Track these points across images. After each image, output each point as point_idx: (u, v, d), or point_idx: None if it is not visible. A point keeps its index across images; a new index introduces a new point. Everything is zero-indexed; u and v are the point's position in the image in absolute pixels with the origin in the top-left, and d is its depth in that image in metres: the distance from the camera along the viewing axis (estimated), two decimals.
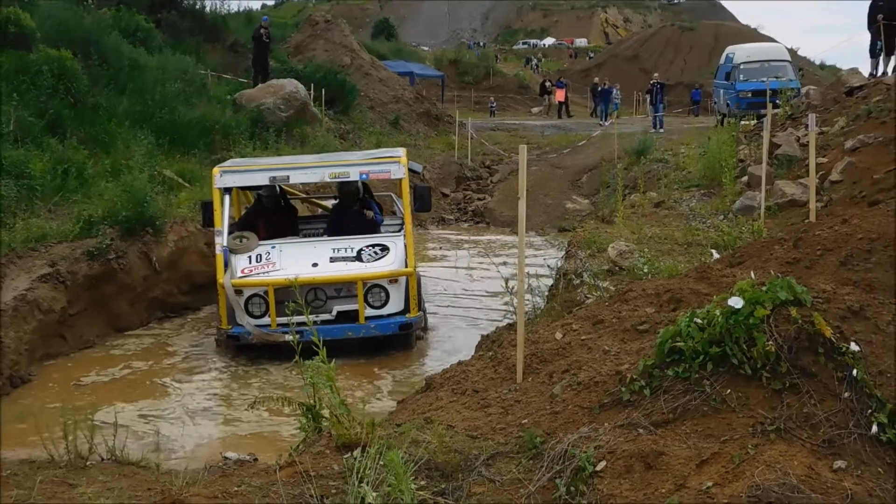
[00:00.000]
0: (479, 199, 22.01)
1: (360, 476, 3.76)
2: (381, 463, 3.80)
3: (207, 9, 26.38)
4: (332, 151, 18.78)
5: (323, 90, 23.86)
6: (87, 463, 4.97)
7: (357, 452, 3.99)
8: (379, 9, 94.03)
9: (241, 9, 33.43)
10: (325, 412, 4.52)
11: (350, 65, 30.40)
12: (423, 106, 32.37)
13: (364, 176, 10.49)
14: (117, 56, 17.17)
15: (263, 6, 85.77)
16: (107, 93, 15.80)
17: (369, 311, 9.61)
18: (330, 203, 13.12)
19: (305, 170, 10.69)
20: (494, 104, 47.41)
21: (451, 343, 10.22)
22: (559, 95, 41.61)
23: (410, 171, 10.96)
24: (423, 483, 3.83)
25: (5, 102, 12.89)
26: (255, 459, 5.40)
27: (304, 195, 13.38)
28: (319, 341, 4.48)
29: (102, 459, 5.10)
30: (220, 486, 4.10)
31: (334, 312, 9.65)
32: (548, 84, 45.10)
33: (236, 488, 4.04)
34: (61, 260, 10.03)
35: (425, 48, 68.06)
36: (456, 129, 27.73)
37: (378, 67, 32.92)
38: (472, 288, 13.22)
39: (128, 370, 9.36)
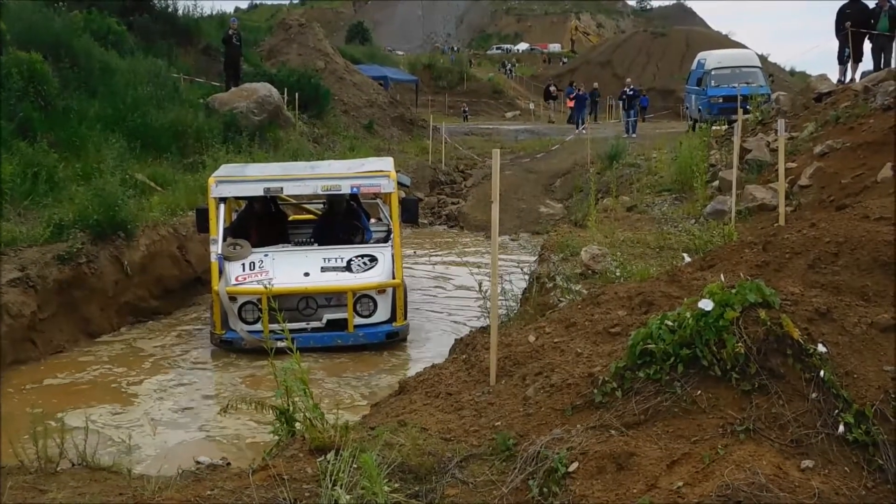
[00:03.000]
0: (453, 204, 22.04)
1: (333, 479, 3.76)
2: (355, 466, 3.81)
3: (180, 12, 26.20)
4: (306, 155, 18.82)
5: (296, 94, 23.79)
6: (58, 468, 4.91)
7: (331, 456, 3.99)
8: (353, 12, 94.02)
9: (214, 12, 33.16)
10: (299, 415, 4.52)
11: (324, 69, 30.34)
12: (396, 110, 32.39)
13: (355, 189, 10.84)
14: (88, 59, 17.00)
15: (236, 9, 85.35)
16: (78, 96, 15.65)
17: (358, 320, 9.99)
18: (316, 207, 13.22)
19: (299, 181, 10.89)
20: (467, 109, 47.46)
21: (424, 346, 10.26)
22: (570, 101, 41.19)
23: (399, 184, 11.11)
24: (396, 485, 3.83)
25: None
26: (228, 464, 5.37)
27: (294, 201, 13.43)
28: (293, 345, 4.50)
29: (73, 465, 5.04)
30: (193, 490, 4.08)
31: (324, 320, 9.99)
32: (552, 89, 44.75)
33: (209, 492, 4.03)
34: (31, 264, 9.92)
35: (400, 52, 68.10)
36: (430, 134, 27.75)
37: (352, 72, 32.89)
38: (445, 291, 13.24)
39: (98, 375, 9.27)
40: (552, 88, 44.71)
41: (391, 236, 10.76)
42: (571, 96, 35.66)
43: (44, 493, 4.47)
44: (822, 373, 3.95)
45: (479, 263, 13.74)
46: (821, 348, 4.07)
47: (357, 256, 10.37)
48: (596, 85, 38.64)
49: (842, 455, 3.71)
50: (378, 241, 11.17)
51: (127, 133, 15.20)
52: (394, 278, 10.15)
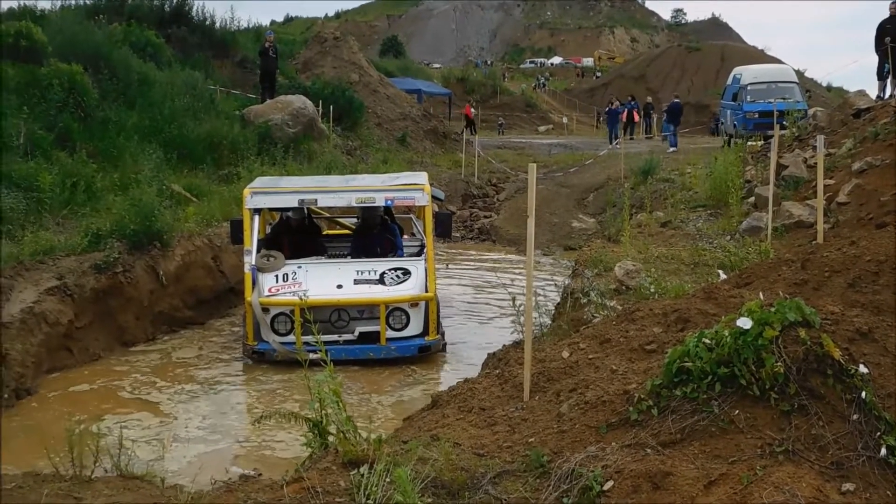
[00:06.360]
0: (485, 217, 22.02)
1: (366, 493, 3.75)
2: (388, 480, 3.80)
3: (217, 24, 26.49)
4: (339, 167, 18.92)
5: (331, 107, 23.93)
6: (92, 476, 4.96)
7: (364, 469, 3.98)
8: (387, 26, 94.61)
9: (251, 25, 33.51)
10: (332, 428, 4.52)
11: (358, 82, 30.51)
12: (430, 123, 32.46)
13: (389, 202, 10.87)
14: (127, 71, 17.23)
15: (272, 22, 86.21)
16: (116, 107, 15.88)
17: (390, 333, 9.99)
18: (349, 221, 13.27)
19: (333, 194, 10.96)
20: (503, 122, 47.48)
21: (457, 360, 10.24)
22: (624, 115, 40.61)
23: (433, 198, 11.13)
24: (429, 500, 3.82)
25: (15, 116, 12.98)
26: (260, 475, 5.38)
27: (328, 215, 13.50)
28: (327, 357, 4.51)
29: (107, 473, 5.09)
30: (226, 501, 4.09)
31: (357, 333, 10.00)
32: (614, 104, 44.06)
33: None
34: (69, 273, 10.05)
35: (436, 65, 68.31)
36: (463, 147, 27.78)
37: (386, 84, 33.03)
38: (478, 305, 13.21)
39: (133, 384, 9.35)
40: (615, 103, 43.95)
41: (424, 250, 10.76)
42: (625, 111, 35.52)
43: (79, 501, 4.51)
44: (863, 394, 3.88)
45: (512, 278, 13.70)
46: (862, 369, 4.00)
47: (390, 269, 10.37)
48: (650, 99, 38.07)
49: (883, 478, 3.64)
50: (411, 255, 11.17)
51: (163, 144, 15.42)
52: (427, 292, 10.15)
